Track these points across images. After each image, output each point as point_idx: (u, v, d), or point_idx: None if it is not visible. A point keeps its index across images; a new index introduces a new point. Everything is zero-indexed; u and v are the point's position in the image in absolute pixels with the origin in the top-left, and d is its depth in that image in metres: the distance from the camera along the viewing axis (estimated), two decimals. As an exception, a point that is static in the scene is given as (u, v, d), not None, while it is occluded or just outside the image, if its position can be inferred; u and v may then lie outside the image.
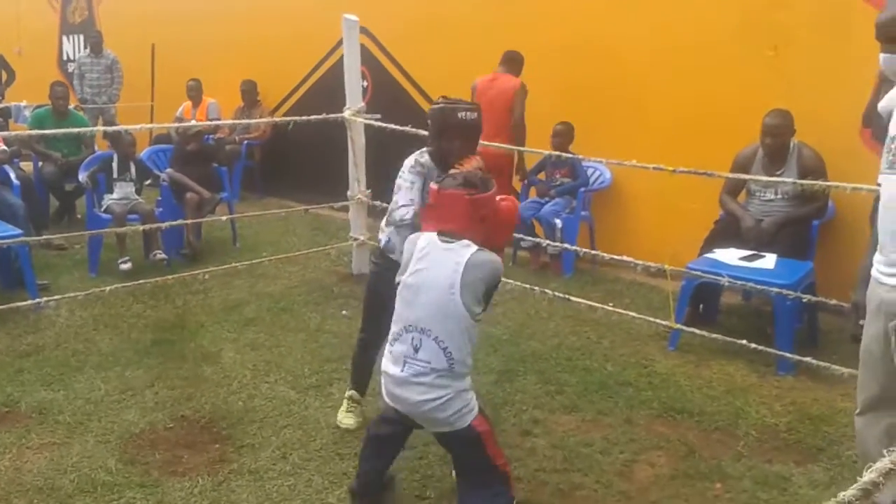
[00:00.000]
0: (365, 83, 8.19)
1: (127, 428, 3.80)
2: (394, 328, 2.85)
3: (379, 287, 3.46)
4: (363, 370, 3.82)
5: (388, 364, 2.85)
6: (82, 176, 6.61)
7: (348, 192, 6.19)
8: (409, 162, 3.40)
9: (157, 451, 3.60)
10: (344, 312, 5.42)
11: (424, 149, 3.44)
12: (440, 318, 2.72)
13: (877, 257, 2.53)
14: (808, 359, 4.10)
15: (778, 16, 5.49)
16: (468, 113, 3.29)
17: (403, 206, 3.30)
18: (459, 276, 2.70)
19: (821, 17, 5.29)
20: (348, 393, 3.88)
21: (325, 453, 3.57)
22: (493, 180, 2.91)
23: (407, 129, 5.44)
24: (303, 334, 5.02)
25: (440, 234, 2.82)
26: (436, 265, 2.77)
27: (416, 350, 2.74)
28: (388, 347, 2.89)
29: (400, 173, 3.40)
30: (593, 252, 5.27)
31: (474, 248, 2.76)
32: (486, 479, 2.86)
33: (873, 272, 2.54)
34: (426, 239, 2.83)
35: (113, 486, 3.30)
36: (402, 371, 2.77)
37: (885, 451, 1.40)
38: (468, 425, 2.78)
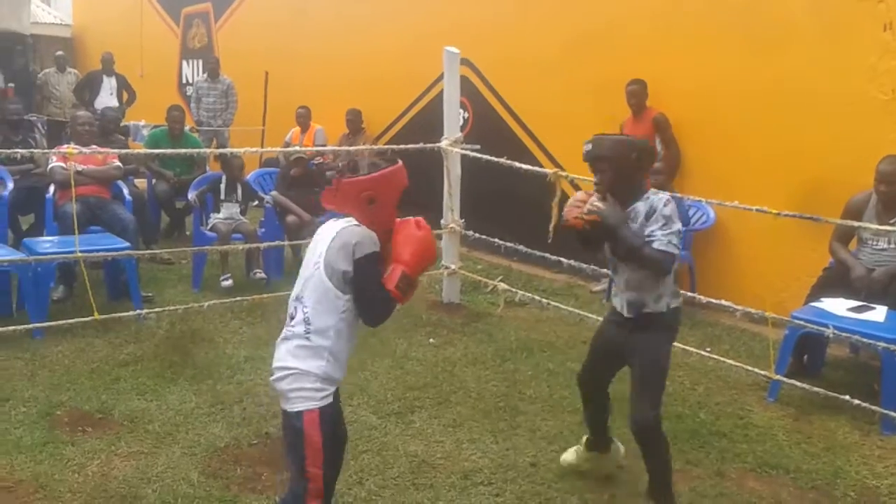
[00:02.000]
0: (466, 114, 8.26)
1: (213, 441, 3.88)
2: None
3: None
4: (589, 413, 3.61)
5: None
6: (191, 195, 6.87)
7: (442, 221, 6.22)
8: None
9: (239, 466, 3.66)
10: (431, 340, 5.42)
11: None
12: (308, 286, 2.65)
13: None
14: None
15: (891, 61, 5.23)
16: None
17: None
18: (327, 245, 2.63)
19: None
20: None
21: (401, 482, 3.54)
22: (382, 164, 2.75)
23: (502, 160, 5.43)
24: (389, 360, 5.03)
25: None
26: (317, 237, 2.74)
27: (292, 318, 2.68)
28: None
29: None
30: (692, 294, 5.11)
31: (353, 222, 2.68)
32: (293, 479, 2.72)
33: None
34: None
35: (193, 499, 3.37)
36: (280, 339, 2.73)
37: None
38: (297, 412, 2.63)
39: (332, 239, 2.64)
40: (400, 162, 2.79)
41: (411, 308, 6.14)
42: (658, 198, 3.13)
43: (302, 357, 2.63)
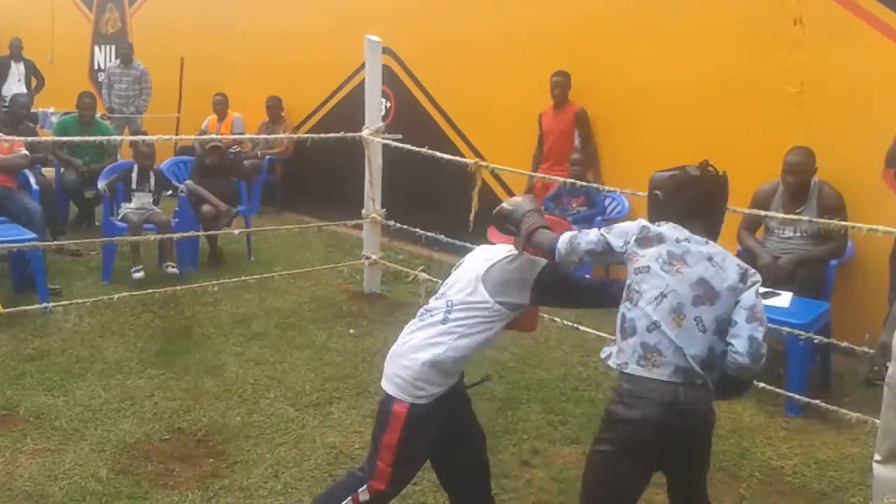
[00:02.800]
0: (388, 104, 8.22)
1: (122, 437, 3.77)
2: None
3: None
4: None
5: None
6: (101, 184, 6.65)
7: (363, 211, 6.18)
8: None
9: (150, 462, 3.57)
10: (351, 331, 5.39)
11: None
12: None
13: None
14: (818, 401, 3.99)
15: (801, 55, 5.42)
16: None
17: None
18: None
19: (845, 56, 5.22)
20: None
21: (318, 474, 3.51)
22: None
23: (424, 150, 5.42)
24: (308, 351, 4.98)
25: None
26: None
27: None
28: None
29: None
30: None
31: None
32: (363, 466, 2.68)
33: None
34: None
35: (102, 496, 3.27)
36: None
37: None
38: (390, 395, 2.59)
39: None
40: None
41: (332, 298, 6.11)
42: None
43: (428, 336, 2.65)
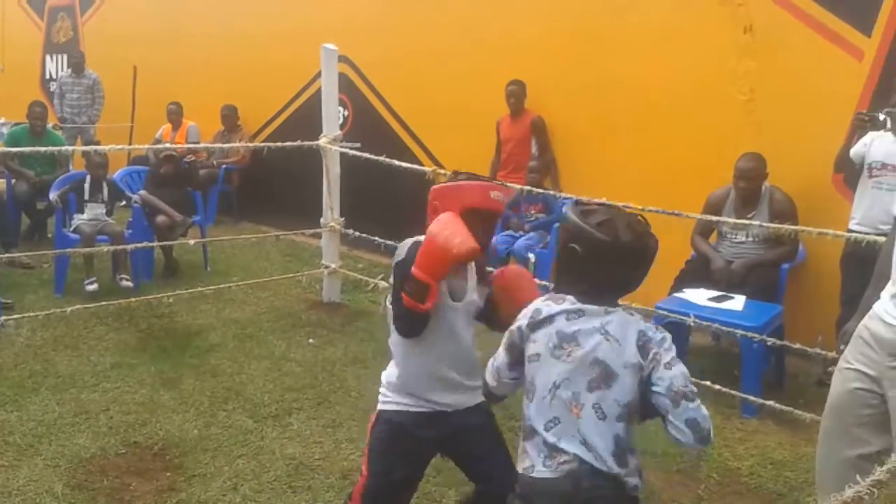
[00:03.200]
0: (346, 112, 8.20)
1: (77, 452, 3.70)
2: None
3: None
4: None
5: None
6: (53, 195, 6.53)
7: (321, 220, 6.15)
8: None
9: (105, 477, 3.50)
10: (311, 341, 5.35)
11: None
12: None
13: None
14: (772, 402, 4.05)
15: (751, 62, 5.53)
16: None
17: None
18: None
19: (795, 62, 5.34)
20: None
21: (278, 486, 3.48)
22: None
23: (382, 158, 5.41)
24: (266, 362, 4.94)
25: None
26: None
27: None
28: None
29: None
30: (564, 288, 5.22)
31: None
32: None
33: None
34: None
35: (56, 513, 3.21)
36: None
37: None
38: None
39: None
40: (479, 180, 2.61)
41: (291, 308, 6.06)
42: None
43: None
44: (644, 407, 2.12)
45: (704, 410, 2.05)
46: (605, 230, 2.10)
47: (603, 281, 2.14)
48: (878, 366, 2.43)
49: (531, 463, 2.12)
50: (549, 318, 2.15)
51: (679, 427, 2.03)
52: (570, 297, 2.17)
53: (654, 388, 2.06)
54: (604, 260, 2.11)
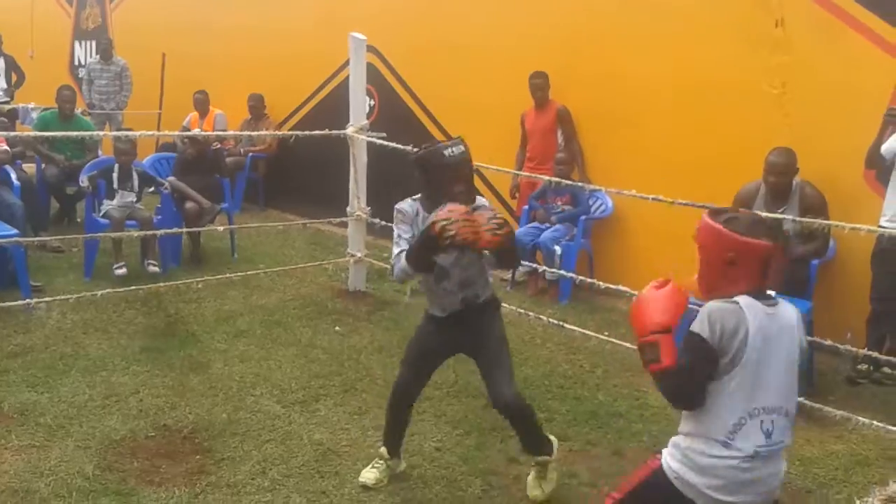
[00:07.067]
0: (372, 102, 8.20)
1: (108, 434, 3.76)
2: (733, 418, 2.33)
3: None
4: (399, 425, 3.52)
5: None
6: (83, 178, 6.59)
7: (348, 209, 6.17)
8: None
9: (135, 459, 3.56)
10: (337, 328, 5.38)
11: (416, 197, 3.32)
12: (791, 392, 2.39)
13: None
14: (802, 399, 4.02)
15: (783, 56, 5.48)
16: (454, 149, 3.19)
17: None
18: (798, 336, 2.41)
19: (826, 57, 5.28)
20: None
21: (306, 470, 3.52)
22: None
23: (409, 148, 5.41)
24: (293, 349, 4.97)
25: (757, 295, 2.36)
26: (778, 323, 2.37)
27: (769, 434, 2.33)
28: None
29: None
30: (591, 280, 5.24)
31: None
32: None
33: None
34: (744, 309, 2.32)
35: (88, 493, 3.26)
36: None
37: None
38: None
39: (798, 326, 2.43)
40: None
41: (317, 296, 6.10)
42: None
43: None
44: None
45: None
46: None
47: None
48: None
49: None
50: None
51: None
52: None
53: None
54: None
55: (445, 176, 3.15)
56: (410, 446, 3.75)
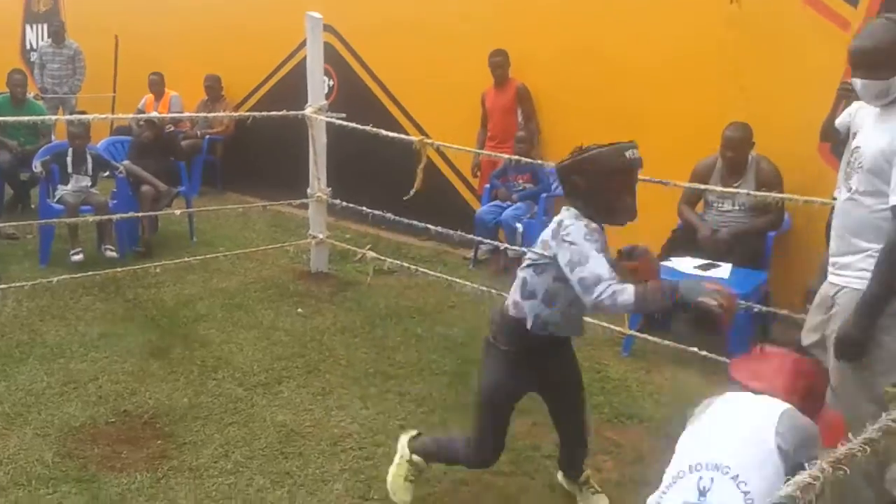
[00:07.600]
0: (331, 82, 8.14)
1: (67, 421, 3.71)
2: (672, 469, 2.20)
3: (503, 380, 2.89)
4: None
5: None
6: (36, 164, 6.46)
7: (308, 190, 6.12)
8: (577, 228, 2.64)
9: (96, 445, 3.52)
10: (299, 310, 5.36)
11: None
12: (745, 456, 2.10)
13: None
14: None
15: (737, 32, 5.52)
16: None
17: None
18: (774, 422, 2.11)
19: (781, 32, 5.34)
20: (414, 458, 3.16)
21: (269, 452, 3.51)
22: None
23: (368, 128, 5.39)
24: (255, 331, 4.94)
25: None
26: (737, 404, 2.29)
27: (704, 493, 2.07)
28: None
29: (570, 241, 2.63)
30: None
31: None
32: None
33: None
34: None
35: (48, 480, 3.23)
36: None
37: None
38: None
39: (780, 416, 2.12)
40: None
41: (278, 278, 6.06)
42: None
43: None
44: None
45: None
46: None
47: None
48: None
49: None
50: None
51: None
52: None
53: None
54: None
55: (622, 184, 2.68)
56: (375, 425, 3.77)
